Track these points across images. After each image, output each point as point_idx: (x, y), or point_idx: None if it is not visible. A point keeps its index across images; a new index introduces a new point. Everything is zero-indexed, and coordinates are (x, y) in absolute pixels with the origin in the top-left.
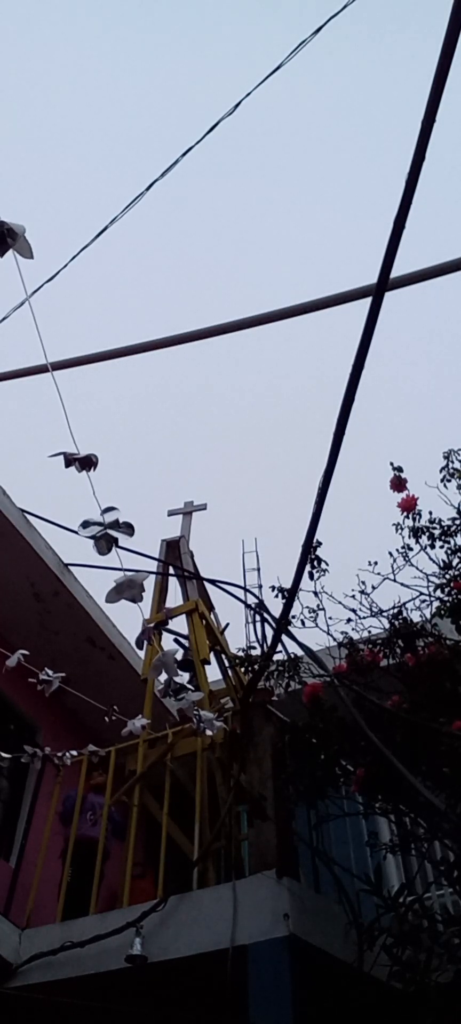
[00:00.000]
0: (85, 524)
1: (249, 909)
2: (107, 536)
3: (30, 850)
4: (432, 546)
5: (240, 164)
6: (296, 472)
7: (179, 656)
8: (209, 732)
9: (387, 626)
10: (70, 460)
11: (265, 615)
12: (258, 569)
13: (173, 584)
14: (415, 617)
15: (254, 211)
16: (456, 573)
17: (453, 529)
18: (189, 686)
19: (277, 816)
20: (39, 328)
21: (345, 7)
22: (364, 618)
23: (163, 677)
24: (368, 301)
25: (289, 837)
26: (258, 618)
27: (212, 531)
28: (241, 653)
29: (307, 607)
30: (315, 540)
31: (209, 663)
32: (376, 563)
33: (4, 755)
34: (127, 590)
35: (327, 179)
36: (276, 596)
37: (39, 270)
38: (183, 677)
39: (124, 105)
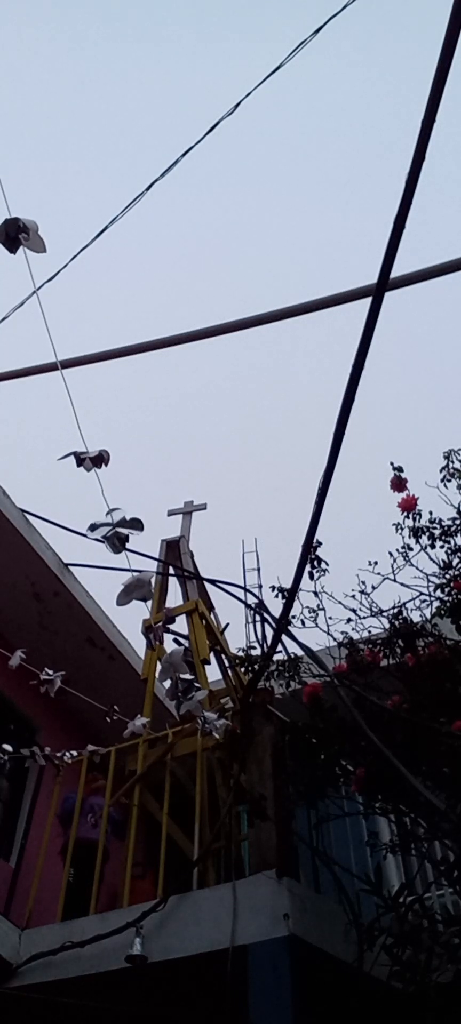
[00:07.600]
0: (93, 527)
1: (249, 909)
2: (117, 534)
3: (30, 850)
4: (432, 546)
5: (240, 164)
6: (296, 472)
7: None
8: (216, 735)
9: (387, 626)
10: (81, 459)
11: (265, 615)
12: (258, 569)
13: (173, 584)
14: (415, 617)
15: (254, 211)
16: (456, 573)
17: (453, 529)
18: (196, 684)
19: (277, 816)
20: (37, 328)
21: (345, 7)
22: (364, 618)
23: (168, 683)
24: (368, 301)
25: (289, 837)
26: (258, 618)
27: (212, 531)
28: (241, 653)
29: (307, 607)
30: (315, 540)
31: (209, 663)
32: (376, 563)
33: (5, 748)
34: (136, 590)
35: (327, 179)
36: (276, 596)
37: (39, 271)
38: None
39: (124, 105)
